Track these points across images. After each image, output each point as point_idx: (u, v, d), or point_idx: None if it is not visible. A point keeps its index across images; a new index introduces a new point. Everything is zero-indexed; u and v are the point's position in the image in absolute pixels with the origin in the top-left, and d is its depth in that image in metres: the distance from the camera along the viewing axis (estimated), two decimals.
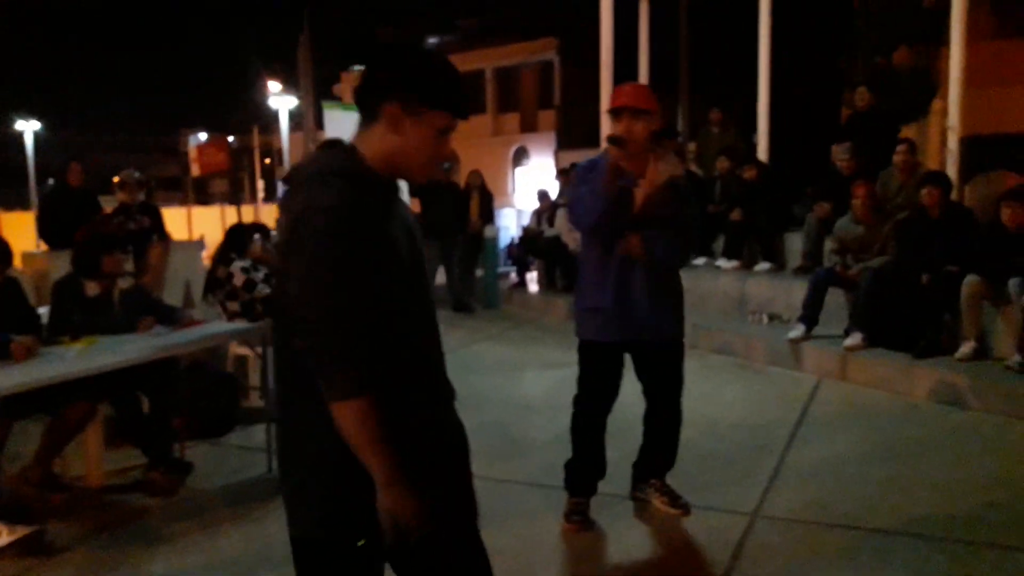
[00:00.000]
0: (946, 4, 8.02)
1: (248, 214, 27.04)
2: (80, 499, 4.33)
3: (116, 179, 7.47)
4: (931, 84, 9.54)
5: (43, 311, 4.77)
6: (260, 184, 31.82)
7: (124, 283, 4.76)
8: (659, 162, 3.45)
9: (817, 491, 4.19)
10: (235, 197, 31.05)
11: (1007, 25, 12.53)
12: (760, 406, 5.76)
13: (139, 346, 4.23)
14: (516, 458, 4.85)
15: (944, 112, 8.12)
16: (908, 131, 8.81)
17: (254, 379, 5.73)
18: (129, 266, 6.08)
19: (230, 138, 34.52)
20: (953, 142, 7.34)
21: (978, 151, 7.86)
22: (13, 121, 32.11)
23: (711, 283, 8.20)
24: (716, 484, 4.29)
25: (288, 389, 1.79)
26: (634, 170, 3.50)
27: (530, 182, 27.70)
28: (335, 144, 1.76)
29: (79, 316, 4.50)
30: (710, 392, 6.11)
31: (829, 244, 6.95)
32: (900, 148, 7.30)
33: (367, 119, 1.74)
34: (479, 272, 10.60)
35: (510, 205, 28.45)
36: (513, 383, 6.75)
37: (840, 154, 7.84)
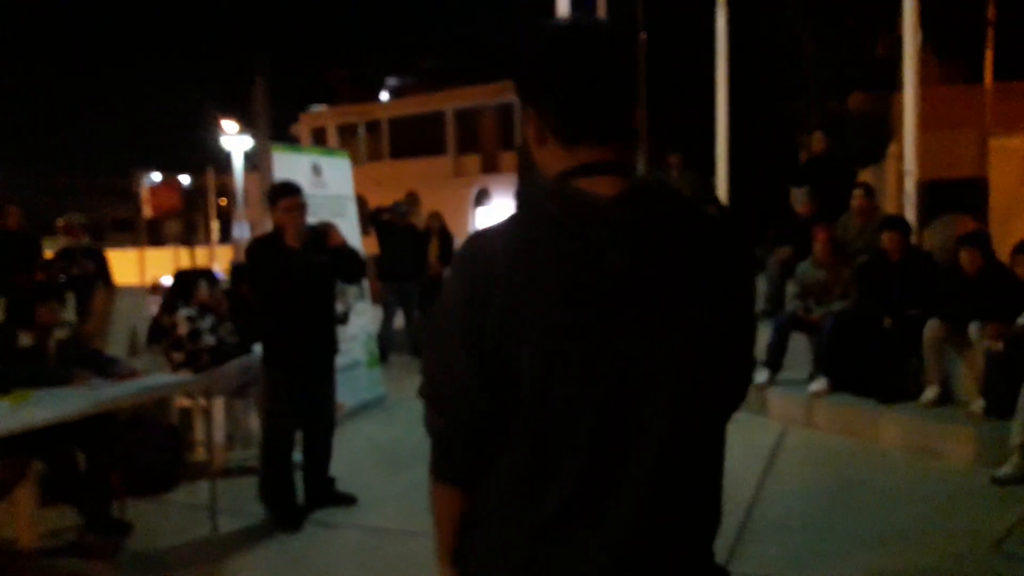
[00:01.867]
0: (897, 51, 8.19)
1: (203, 255, 26.69)
2: (12, 563, 4.10)
3: (60, 222, 7.24)
4: (886, 128, 9.73)
5: None
6: (215, 225, 31.46)
7: (61, 333, 4.55)
8: None
9: (786, 545, 4.09)
10: (189, 238, 30.65)
11: (955, 71, 12.90)
12: (725, 454, 5.66)
13: (75, 400, 4.03)
14: None
15: (900, 156, 8.24)
16: (865, 175, 8.95)
17: (199, 432, 5.51)
18: (70, 314, 5.84)
19: (185, 179, 34.16)
20: (910, 186, 7.43)
21: (935, 195, 7.99)
22: None
23: None
24: None
25: (710, 471, 1.45)
26: None
27: (492, 222, 27.73)
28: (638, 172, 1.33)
29: (11, 368, 4.27)
30: None
31: (790, 288, 6.95)
32: (856, 192, 7.36)
33: (632, 136, 1.35)
34: None
35: None
36: None
37: (799, 197, 7.89)
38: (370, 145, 28.29)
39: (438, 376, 1.33)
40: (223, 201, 35.50)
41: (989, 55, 12.60)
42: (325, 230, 4.61)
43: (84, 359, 4.57)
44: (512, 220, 1.33)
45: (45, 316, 4.44)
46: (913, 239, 6.72)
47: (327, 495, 4.76)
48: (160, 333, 5.49)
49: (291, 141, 24.03)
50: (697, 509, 1.37)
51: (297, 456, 4.71)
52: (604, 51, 1.30)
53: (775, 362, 6.54)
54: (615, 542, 1.28)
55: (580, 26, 1.32)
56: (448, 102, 28.75)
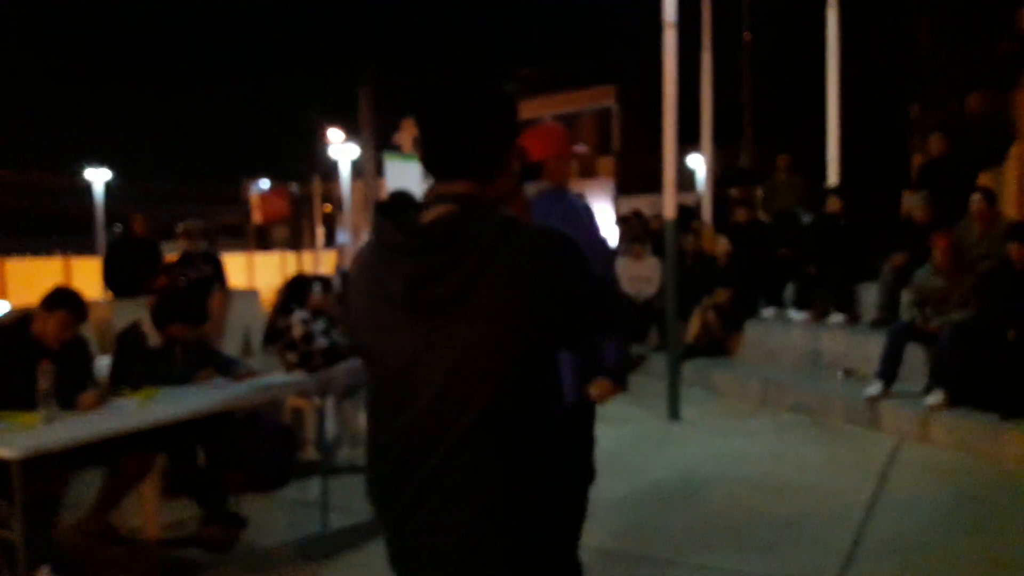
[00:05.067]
0: (1020, 47, 7.81)
1: (308, 260, 27.54)
2: (136, 552, 4.31)
3: (180, 228, 7.61)
4: (1008, 129, 9.26)
5: (106, 361, 4.84)
6: (320, 231, 32.43)
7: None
8: None
9: (900, 566, 3.94)
10: (296, 244, 31.67)
11: None
12: (836, 469, 5.50)
13: (197, 399, 4.23)
14: None
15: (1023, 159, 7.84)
16: (985, 178, 8.53)
17: (311, 431, 5.69)
18: None
19: (292, 186, 35.35)
20: None
21: None
22: (83, 169, 33.28)
23: (782, 336, 7.95)
24: (791, 555, 4.07)
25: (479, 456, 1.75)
26: None
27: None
28: None
29: (140, 367, 4.52)
30: (782, 453, 5.88)
31: (907, 296, 6.69)
32: (975, 197, 7.02)
33: (479, 173, 1.73)
34: None
35: None
36: None
37: (915, 203, 7.60)
38: None
39: None
40: (327, 208, 36.54)
41: None
42: None
43: (207, 359, 4.79)
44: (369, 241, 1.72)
45: (177, 331, 4.69)
46: None
47: None
48: (275, 335, 5.71)
49: (395, 149, 24.55)
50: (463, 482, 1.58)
51: None
52: (443, 110, 1.65)
53: (889, 373, 6.30)
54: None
55: (434, 90, 1.68)
56: (545, 108, 28.83)
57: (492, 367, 1.54)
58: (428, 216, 1.60)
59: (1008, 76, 9.68)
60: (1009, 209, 8.16)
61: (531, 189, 2.98)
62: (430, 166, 1.66)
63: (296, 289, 5.83)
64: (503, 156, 1.66)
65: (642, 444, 6.14)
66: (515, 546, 1.59)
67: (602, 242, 3.20)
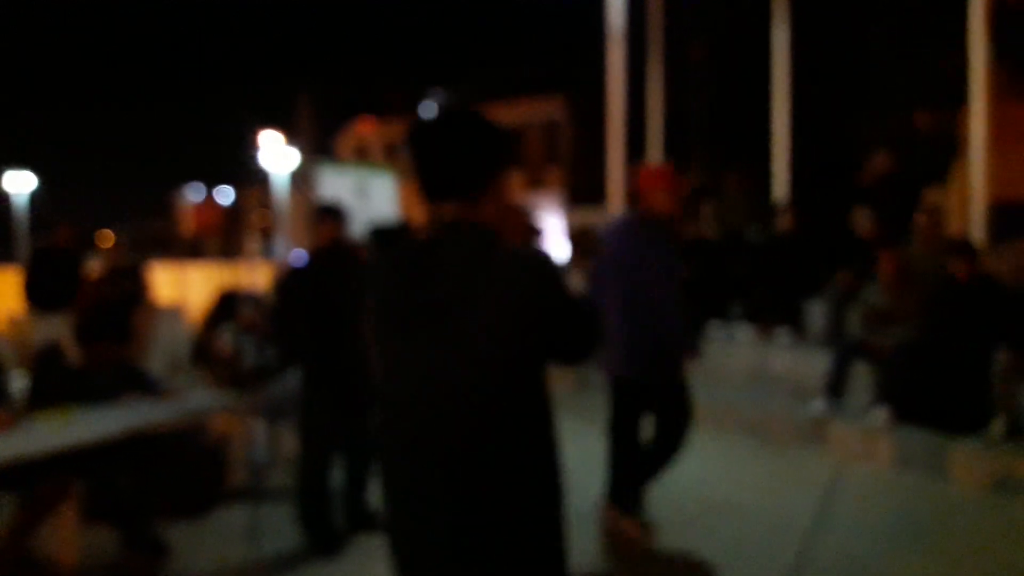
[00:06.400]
0: (964, 65, 8.12)
1: (244, 271, 27.14)
2: None
3: (104, 241, 7.51)
4: (953, 146, 9.59)
5: (21, 375, 4.74)
6: (256, 241, 32.00)
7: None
8: None
9: None
10: (230, 254, 31.14)
11: None
12: (781, 487, 5.62)
13: (117, 419, 4.16)
14: None
15: (965, 176, 8.14)
16: (931, 194, 8.82)
17: (240, 453, 5.62)
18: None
19: (230, 194, 34.96)
20: (977, 208, 7.31)
21: (1007, 217, 7.84)
22: (1, 173, 32.34)
23: (728, 353, 8.09)
24: (735, 575, 4.15)
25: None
26: None
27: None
28: None
29: (60, 386, 4.44)
30: (728, 471, 5.98)
31: (855, 313, 6.88)
32: (920, 215, 7.26)
33: (464, 195, 1.93)
34: None
35: None
36: None
37: (861, 219, 7.82)
38: None
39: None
40: (263, 218, 36.14)
41: None
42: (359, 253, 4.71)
43: (130, 378, 4.72)
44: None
45: (102, 352, 4.61)
46: (983, 263, 6.60)
47: (365, 519, 4.81)
48: (203, 352, 5.65)
49: (335, 153, 24.37)
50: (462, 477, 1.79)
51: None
52: (432, 138, 1.88)
53: (835, 390, 6.46)
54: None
55: (426, 121, 1.89)
56: (492, 116, 28.97)
57: (480, 377, 1.75)
58: (421, 233, 1.86)
59: (954, 93, 10.03)
60: (955, 225, 8.46)
61: (627, 214, 4.58)
62: (423, 188, 1.88)
63: (226, 306, 5.78)
64: (490, 180, 1.87)
65: (585, 461, 6.17)
66: (517, 546, 1.78)
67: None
